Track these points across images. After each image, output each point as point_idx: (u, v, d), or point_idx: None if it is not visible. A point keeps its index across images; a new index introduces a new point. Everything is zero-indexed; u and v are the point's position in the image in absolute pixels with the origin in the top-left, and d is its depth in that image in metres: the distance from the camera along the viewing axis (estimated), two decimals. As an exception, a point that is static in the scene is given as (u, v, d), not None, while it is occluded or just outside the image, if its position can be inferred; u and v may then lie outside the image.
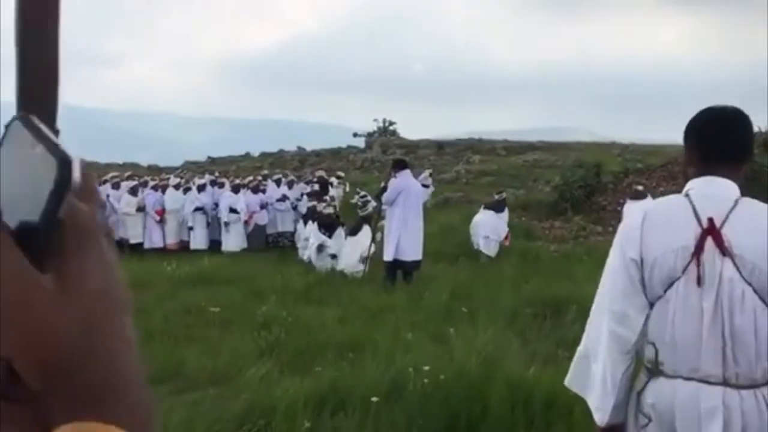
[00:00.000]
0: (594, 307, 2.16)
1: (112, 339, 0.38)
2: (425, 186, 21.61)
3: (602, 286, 2.12)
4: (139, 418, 0.38)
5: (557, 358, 5.37)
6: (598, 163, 20.52)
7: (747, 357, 1.89)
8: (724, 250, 1.90)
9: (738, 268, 1.89)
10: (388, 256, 9.38)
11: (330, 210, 11.63)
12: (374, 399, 4.11)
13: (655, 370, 2.00)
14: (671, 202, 2.10)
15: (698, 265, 1.91)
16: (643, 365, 2.05)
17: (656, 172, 19.80)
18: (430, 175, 22.62)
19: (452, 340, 5.58)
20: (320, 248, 10.69)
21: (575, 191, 17.96)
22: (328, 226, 11.01)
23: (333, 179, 18.49)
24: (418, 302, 7.95)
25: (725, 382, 1.91)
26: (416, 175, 21.51)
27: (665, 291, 1.96)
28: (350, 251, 10.39)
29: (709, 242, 1.92)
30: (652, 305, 1.98)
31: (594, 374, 2.12)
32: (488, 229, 12.66)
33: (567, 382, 2.27)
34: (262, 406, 4.38)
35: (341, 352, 5.67)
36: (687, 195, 2.02)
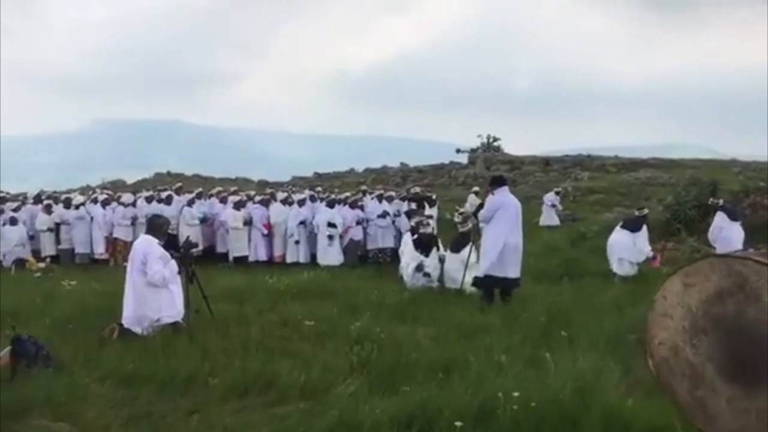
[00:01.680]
0: None
1: None
2: (553, 206, 21.48)
3: None
4: None
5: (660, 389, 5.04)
6: (714, 181, 19.38)
7: None
8: None
9: None
10: (482, 271, 9.19)
11: (428, 229, 11.54)
12: (458, 423, 3.98)
13: None
14: None
15: None
16: None
17: (780, 191, 18.44)
18: (557, 193, 22.57)
19: (548, 365, 5.35)
20: (419, 268, 10.60)
21: (689, 211, 17.03)
22: (425, 245, 10.92)
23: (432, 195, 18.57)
24: (514, 323, 7.72)
25: None
26: (545, 200, 21.67)
27: None
28: (453, 266, 10.28)
29: None
30: None
31: None
32: (623, 250, 12.03)
33: None
34: (350, 423, 4.36)
35: (432, 371, 5.57)
36: None
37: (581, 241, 16.86)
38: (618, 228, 12.58)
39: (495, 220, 9.11)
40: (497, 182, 9.55)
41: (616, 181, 31.06)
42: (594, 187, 29.44)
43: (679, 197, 18.48)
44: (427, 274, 10.53)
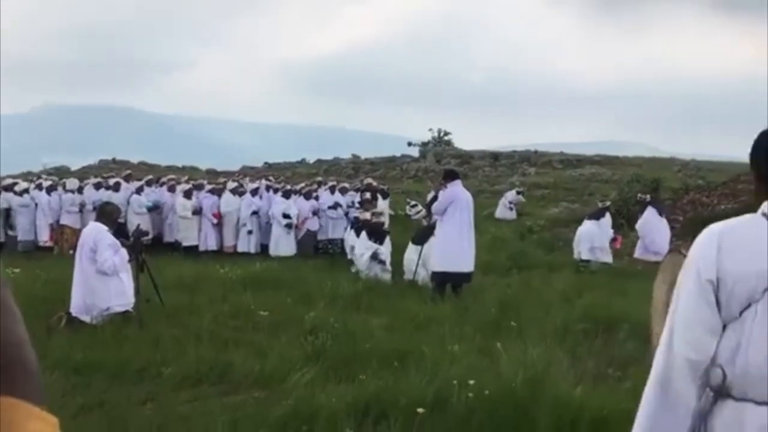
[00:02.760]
0: (665, 332, 2.09)
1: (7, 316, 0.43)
2: (511, 203, 21.77)
3: (674, 311, 2.07)
4: (39, 386, 0.41)
5: (607, 377, 5.23)
6: (656, 178, 20.00)
7: None
8: None
9: None
10: (436, 266, 9.29)
11: (380, 219, 11.62)
12: (419, 410, 4.07)
13: (723, 393, 1.93)
14: (747, 222, 2.04)
15: None
16: (707, 387, 1.98)
17: (717, 189, 19.16)
18: (518, 193, 22.86)
19: (499, 355, 5.48)
20: (374, 256, 10.65)
21: (632, 207, 17.53)
22: (378, 234, 11.01)
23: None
24: (465, 314, 7.86)
25: None
26: (506, 197, 21.88)
27: (741, 313, 1.92)
28: (412, 258, 10.36)
29: None
30: (724, 328, 1.94)
31: (666, 403, 2.04)
32: (593, 238, 13.01)
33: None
34: (306, 411, 4.39)
35: (387, 361, 5.63)
36: (764, 215, 1.97)
37: (528, 235, 17.21)
38: (585, 221, 13.54)
39: (448, 214, 9.20)
40: (450, 176, 9.65)
41: (562, 177, 31.73)
42: (540, 183, 30.01)
43: (622, 193, 19.00)
44: (382, 262, 10.60)
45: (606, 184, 27.99)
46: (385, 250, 10.79)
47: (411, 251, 10.61)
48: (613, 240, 13.72)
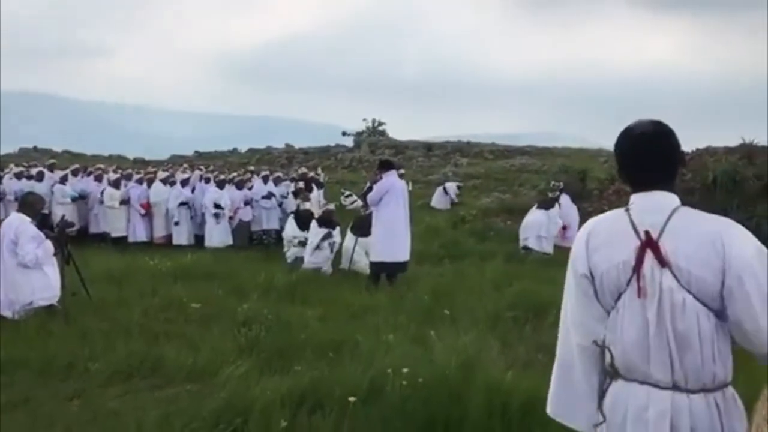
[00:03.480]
0: (561, 322, 2.27)
1: None
2: (453, 201, 21.92)
3: (564, 303, 2.25)
4: None
5: (536, 362, 5.39)
6: (583, 169, 20.59)
7: (694, 362, 1.98)
8: (662, 262, 1.99)
9: (676, 277, 1.97)
10: (373, 256, 9.33)
11: (307, 206, 11.67)
12: (351, 399, 4.09)
13: (614, 374, 2.10)
14: (612, 217, 2.19)
15: (639, 278, 2.01)
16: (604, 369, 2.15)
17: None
18: (459, 187, 23.04)
19: (433, 343, 5.57)
20: (327, 236, 10.49)
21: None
22: (306, 221, 11.03)
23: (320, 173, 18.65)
24: (400, 303, 7.93)
25: (674, 387, 1.99)
26: (446, 187, 22.01)
27: (615, 302, 2.07)
28: (361, 251, 10.30)
29: (649, 255, 2.01)
30: (608, 313, 2.10)
31: (572, 386, 2.22)
32: (540, 227, 13.12)
33: (550, 410, 2.32)
34: (240, 404, 4.35)
35: (322, 351, 5.65)
36: (627, 209, 2.12)
37: (461, 224, 17.45)
38: (533, 210, 13.65)
39: (384, 204, 9.23)
40: (386, 166, 9.68)
41: (493, 168, 32.32)
42: (472, 173, 30.49)
43: (550, 183, 19.48)
44: (332, 243, 10.46)
45: (536, 174, 28.66)
46: (336, 234, 10.72)
47: (348, 240, 10.61)
48: (563, 228, 13.86)
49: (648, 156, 2.10)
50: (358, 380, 4.52)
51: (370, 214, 9.84)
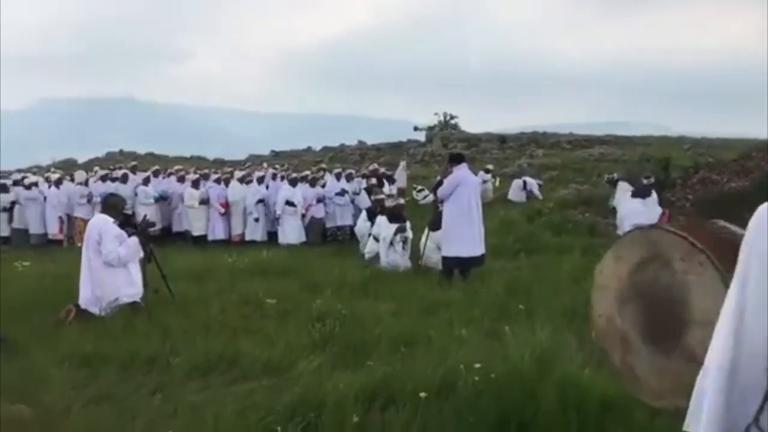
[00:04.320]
0: (723, 323, 1.95)
1: None
2: (536, 197, 21.60)
3: (733, 298, 1.93)
4: None
5: (615, 359, 5.20)
6: (666, 157, 19.85)
7: None
8: None
9: None
10: (444, 251, 9.25)
11: (391, 201, 11.60)
12: (423, 395, 4.06)
13: None
14: None
15: None
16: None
17: (728, 166, 18.99)
18: (488, 171, 22.64)
19: (507, 338, 5.47)
20: (400, 230, 10.37)
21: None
22: (397, 217, 10.93)
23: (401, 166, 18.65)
24: (474, 298, 7.84)
25: None
26: (526, 182, 21.65)
27: None
28: (433, 246, 10.17)
29: None
30: None
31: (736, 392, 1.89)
32: (638, 217, 12.67)
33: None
34: (313, 398, 4.39)
35: (394, 346, 5.64)
36: None
37: (537, 217, 17.11)
38: (629, 198, 13.45)
39: (455, 198, 9.15)
40: (456, 159, 9.56)
41: (571, 158, 31.54)
42: (549, 164, 29.85)
43: (632, 173, 18.88)
44: (405, 238, 10.38)
45: (615, 164, 27.78)
46: (408, 230, 10.62)
47: (425, 236, 10.52)
48: (662, 215, 13.57)
49: None
50: (431, 376, 4.48)
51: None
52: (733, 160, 19.81)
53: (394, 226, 10.40)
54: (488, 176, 22.55)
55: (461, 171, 9.31)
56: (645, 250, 3.71)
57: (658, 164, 18.90)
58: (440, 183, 9.69)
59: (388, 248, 10.38)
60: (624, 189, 14.31)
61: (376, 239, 11.11)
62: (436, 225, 9.97)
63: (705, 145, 33.98)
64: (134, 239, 7.41)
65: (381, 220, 10.73)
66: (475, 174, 11.14)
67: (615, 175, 15.34)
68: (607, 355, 4.01)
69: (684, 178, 18.58)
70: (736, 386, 1.87)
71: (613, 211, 14.94)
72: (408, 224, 10.67)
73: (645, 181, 14.11)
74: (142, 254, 7.48)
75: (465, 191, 9.15)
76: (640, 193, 13.44)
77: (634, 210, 13.01)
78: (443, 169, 10.71)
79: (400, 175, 22.15)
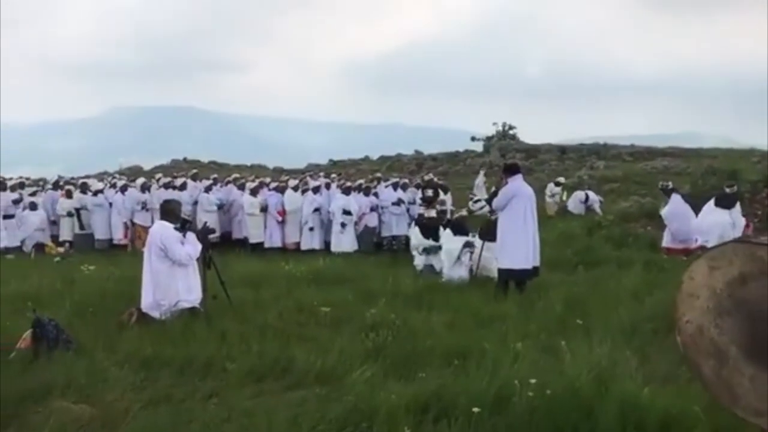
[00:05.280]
0: None
1: None
2: (595, 211, 21.21)
3: None
4: None
5: (677, 378, 5.03)
6: (733, 170, 19.17)
7: None
8: None
9: None
10: (500, 263, 9.15)
11: (432, 214, 11.56)
12: (476, 409, 4.00)
13: None
14: None
15: None
16: None
17: (799, 180, 18.21)
18: (558, 185, 22.30)
19: (564, 354, 5.35)
20: (467, 244, 10.26)
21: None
22: (431, 229, 10.90)
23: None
24: (530, 311, 7.72)
25: None
26: (588, 195, 21.26)
27: None
28: (489, 255, 10.08)
29: None
30: None
31: None
32: (726, 229, 12.44)
33: None
34: (366, 408, 4.39)
35: (447, 358, 5.59)
36: None
37: (597, 230, 16.75)
38: (712, 208, 12.97)
39: (510, 209, 9.07)
40: (511, 170, 9.45)
41: (632, 170, 30.80)
42: (610, 176, 29.22)
43: (696, 186, 18.32)
44: (471, 252, 10.20)
45: (679, 176, 26.99)
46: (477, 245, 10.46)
47: (485, 249, 10.38)
48: (746, 226, 13.24)
49: None
50: (484, 390, 4.42)
51: (497, 219, 9.64)
52: (805, 174, 18.98)
53: (462, 240, 10.25)
54: (558, 189, 22.26)
55: (516, 182, 9.22)
56: (749, 265, 3.61)
57: (725, 177, 18.26)
58: (496, 193, 9.59)
59: (454, 262, 10.23)
60: (676, 201, 13.89)
61: (418, 252, 11.07)
62: (491, 235, 9.86)
63: (775, 158, 32.68)
64: (192, 234, 7.61)
65: (446, 233, 10.64)
66: (533, 186, 10.95)
67: (669, 184, 14.89)
68: (695, 363, 3.91)
69: (752, 192, 17.89)
70: None
71: (662, 220, 14.51)
72: (474, 237, 10.53)
73: (728, 190, 13.56)
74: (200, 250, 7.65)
75: (520, 203, 9.06)
76: (724, 203, 12.93)
77: (719, 221, 12.57)
78: (498, 180, 10.61)
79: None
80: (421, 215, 11.96)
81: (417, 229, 11.35)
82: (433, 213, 11.82)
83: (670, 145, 39.62)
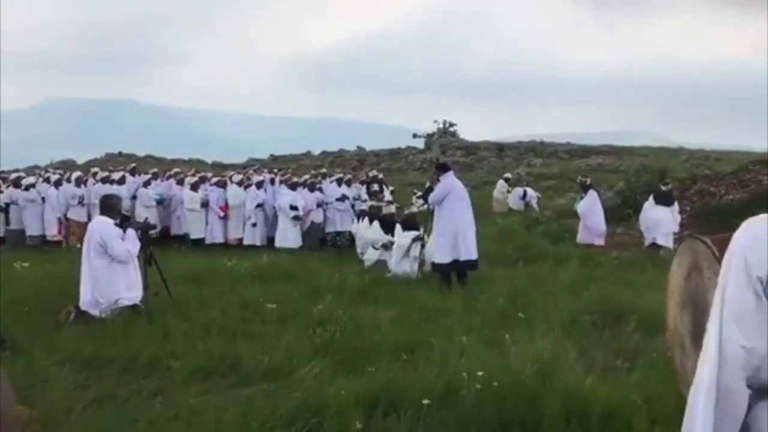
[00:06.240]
0: (712, 339, 1.96)
1: None
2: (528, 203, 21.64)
3: (719, 314, 1.95)
4: None
5: (616, 368, 5.23)
6: (664, 168, 19.91)
7: None
8: None
9: None
10: (441, 258, 9.36)
11: (392, 209, 11.63)
12: (426, 402, 4.07)
13: (763, 394, 1.85)
14: None
15: None
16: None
17: (725, 179, 19.07)
18: (507, 180, 22.75)
19: (508, 346, 5.48)
20: (417, 238, 10.40)
21: (639, 197, 17.47)
22: (391, 225, 10.97)
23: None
24: (473, 306, 7.86)
25: None
26: (526, 192, 21.71)
27: None
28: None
29: None
30: None
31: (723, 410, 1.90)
32: (669, 224, 13.16)
33: None
34: (315, 404, 4.40)
35: (395, 353, 5.65)
36: None
37: (535, 226, 17.17)
38: (652, 205, 13.47)
39: (447, 203, 9.41)
40: (443, 168, 9.99)
41: (568, 168, 31.65)
42: (547, 173, 29.97)
43: (629, 184, 18.94)
44: (421, 246, 10.26)
45: (613, 174, 27.90)
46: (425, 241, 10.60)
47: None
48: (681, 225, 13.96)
49: None
50: (433, 383, 4.49)
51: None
52: (731, 172, 19.90)
53: (411, 234, 10.36)
54: (506, 185, 22.69)
55: (449, 179, 9.63)
56: (691, 258, 3.85)
57: (656, 175, 18.96)
58: (430, 189, 9.99)
59: (402, 257, 10.34)
60: (592, 197, 14.55)
61: (375, 247, 11.12)
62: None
63: (702, 156, 34.13)
64: (132, 231, 7.45)
65: (396, 228, 10.73)
66: (473, 183, 11.23)
67: (588, 179, 15.55)
68: (672, 357, 4.16)
69: (681, 190, 18.65)
70: (723, 404, 1.88)
71: (576, 214, 15.08)
72: (423, 232, 10.64)
73: (664, 188, 14.08)
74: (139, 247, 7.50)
75: (456, 198, 9.43)
76: (664, 200, 13.49)
77: (662, 218, 13.15)
78: (431, 177, 11.02)
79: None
80: (378, 210, 11.97)
81: (377, 223, 11.38)
82: (392, 208, 11.87)
83: (603, 143, 40.86)
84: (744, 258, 1.89)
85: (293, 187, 14.90)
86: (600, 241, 14.15)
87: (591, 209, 14.36)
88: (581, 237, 14.32)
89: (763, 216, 1.93)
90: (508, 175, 24.41)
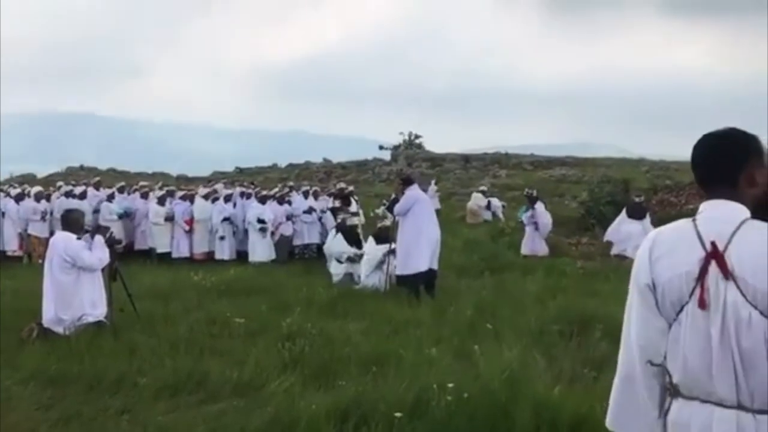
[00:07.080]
0: (623, 335, 2.19)
1: None
2: (499, 218, 21.81)
3: (626, 315, 2.17)
4: None
5: (584, 377, 5.31)
6: (626, 179, 20.29)
7: (759, 381, 1.89)
8: (726, 274, 1.91)
9: (742, 292, 1.90)
10: (406, 269, 9.42)
11: (356, 221, 11.65)
12: (397, 414, 4.09)
13: (674, 392, 2.03)
14: (677, 226, 2.12)
15: (702, 289, 1.94)
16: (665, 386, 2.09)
17: (686, 189, 19.52)
18: (436, 184, 23.15)
19: (477, 357, 5.53)
20: (351, 260, 10.58)
21: (602, 207, 17.78)
22: (355, 237, 11.01)
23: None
24: (442, 317, 7.91)
25: (740, 406, 1.91)
26: (491, 202, 22.08)
27: (677, 315, 2.00)
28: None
29: (713, 266, 1.94)
30: (670, 327, 2.02)
31: (634, 399, 2.15)
32: (640, 238, 13.16)
33: (609, 423, 2.25)
34: (286, 418, 4.39)
35: (365, 365, 5.64)
36: (694, 219, 2.07)
37: (500, 237, 17.33)
38: (625, 219, 13.71)
39: (412, 214, 9.53)
40: (408, 182, 10.14)
41: (533, 179, 32.01)
42: (511, 184, 30.27)
43: (593, 194, 19.27)
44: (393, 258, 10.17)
45: (576, 185, 28.31)
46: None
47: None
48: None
49: (712, 158, 2.09)
50: (403, 395, 4.52)
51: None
52: (691, 182, 20.35)
53: (384, 248, 10.33)
54: (483, 198, 22.86)
55: (414, 191, 9.80)
56: None
57: (618, 185, 19.32)
58: (396, 200, 10.13)
59: (373, 270, 10.33)
60: (540, 210, 14.70)
61: (339, 261, 11.10)
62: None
63: (663, 167, 34.85)
64: (99, 237, 7.35)
65: (369, 241, 10.74)
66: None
67: (534, 192, 15.89)
68: None
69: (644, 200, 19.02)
70: (638, 394, 2.11)
71: (522, 224, 15.36)
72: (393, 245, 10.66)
73: (637, 200, 14.30)
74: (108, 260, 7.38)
75: (421, 209, 9.61)
76: (636, 214, 13.63)
77: (633, 232, 13.26)
78: (396, 188, 11.22)
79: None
80: (343, 222, 11.97)
81: (340, 236, 11.36)
82: (356, 221, 11.91)
83: (567, 155, 41.46)
84: (635, 270, 2.11)
85: (263, 200, 14.82)
86: (545, 253, 14.43)
87: (623, 224, 14.39)
88: (526, 249, 14.57)
89: (653, 230, 2.15)
90: (483, 187, 24.60)
